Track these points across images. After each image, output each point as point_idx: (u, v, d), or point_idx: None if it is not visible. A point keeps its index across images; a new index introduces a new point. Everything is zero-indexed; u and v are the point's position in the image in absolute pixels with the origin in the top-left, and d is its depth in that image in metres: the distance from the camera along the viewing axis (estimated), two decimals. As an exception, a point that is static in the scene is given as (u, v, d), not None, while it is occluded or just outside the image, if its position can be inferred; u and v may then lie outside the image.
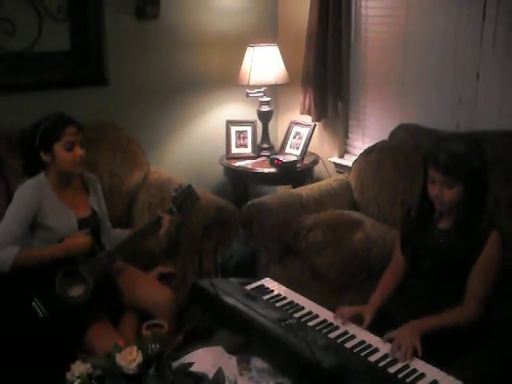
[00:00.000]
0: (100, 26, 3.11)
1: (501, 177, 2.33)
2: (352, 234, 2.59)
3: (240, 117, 3.71)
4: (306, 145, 3.52)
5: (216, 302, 1.89)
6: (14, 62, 2.90)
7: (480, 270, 1.90)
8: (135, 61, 3.31)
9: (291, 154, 3.54)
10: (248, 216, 2.78)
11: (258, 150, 3.62)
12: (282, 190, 3.70)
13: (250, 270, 3.02)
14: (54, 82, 3.04)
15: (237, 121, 3.66)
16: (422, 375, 1.67)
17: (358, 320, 1.97)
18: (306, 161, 3.51)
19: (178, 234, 2.73)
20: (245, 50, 3.46)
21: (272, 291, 2.15)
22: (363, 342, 1.84)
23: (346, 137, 3.60)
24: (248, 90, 3.48)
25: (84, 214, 2.42)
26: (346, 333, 1.89)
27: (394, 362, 1.74)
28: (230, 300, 1.88)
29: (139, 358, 1.57)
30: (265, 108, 3.58)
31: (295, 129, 3.62)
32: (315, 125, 3.54)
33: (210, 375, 1.61)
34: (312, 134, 3.52)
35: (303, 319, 1.96)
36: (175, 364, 1.67)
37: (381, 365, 1.72)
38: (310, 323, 1.94)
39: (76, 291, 2.25)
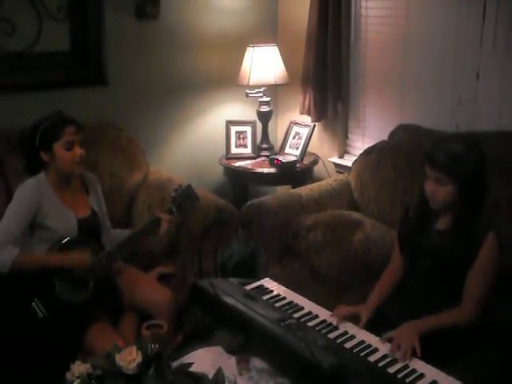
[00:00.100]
0: (100, 26, 3.11)
1: (500, 177, 2.34)
2: (352, 235, 2.59)
3: (240, 117, 3.71)
4: (306, 145, 3.52)
5: (215, 302, 1.90)
6: (14, 62, 2.90)
7: (477, 272, 1.90)
8: (135, 61, 3.31)
9: (291, 154, 3.54)
10: (248, 216, 2.78)
11: (257, 150, 3.62)
12: (282, 190, 3.70)
13: (249, 270, 3.02)
14: (54, 82, 3.04)
15: (236, 121, 3.66)
16: (422, 375, 1.67)
17: (355, 319, 1.97)
18: (306, 161, 3.51)
19: (178, 234, 2.73)
20: (244, 50, 3.46)
21: (271, 291, 2.15)
22: (363, 342, 1.84)
23: (346, 137, 3.60)
24: (248, 90, 3.49)
25: (84, 214, 2.42)
26: (345, 333, 1.90)
27: (393, 362, 1.74)
28: (229, 300, 1.88)
29: (139, 358, 1.57)
30: (264, 108, 3.58)
31: (295, 129, 3.62)
32: (315, 125, 3.54)
33: (210, 375, 1.61)
34: (312, 134, 3.52)
35: (303, 319, 1.96)
36: (175, 364, 1.67)
37: (380, 365, 1.72)
38: (310, 323, 1.94)
39: (76, 291, 2.25)
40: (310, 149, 3.57)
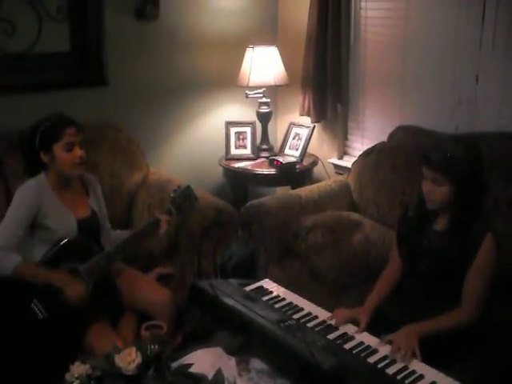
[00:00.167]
0: (100, 26, 3.11)
1: (500, 178, 2.34)
2: (351, 235, 2.59)
3: (239, 118, 3.71)
4: (306, 146, 3.52)
5: (215, 302, 1.90)
6: (14, 63, 2.90)
7: (475, 273, 1.90)
8: (135, 61, 3.31)
9: (290, 155, 3.54)
10: (247, 217, 2.78)
11: (257, 151, 3.62)
12: (282, 191, 3.70)
13: (249, 271, 3.02)
14: (54, 82, 3.04)
15: (236, 122, 3.66)
16: (421, 376, 1.67)
17: (354, 322, 1.97)
18: (306, 162, 3.51)
19: (177, 234, 2.73)
20: (244, 51, 3.47)
21: (271, 292, 2.15)
22: (362, 343, 1.84)
23: (346, 138, 3.61)
24: (247, 91, 3.48)
25: (84, 215, 2.42)
26: (345, 334, 1.90)
27: (393, 363, 1.74)
28: (229, 301, 1.88)
29: (138, 359, 1.57)
30: (264, 109, 3.58)
31: (294, 130, 3.62)
32: (314, 126, 3.54)
33: (210, 376, 1.62)
34: (311, 135, 3.52)
35: (302, 320, 1.96)
36: (174, 365, 1.67)
37: (380, 366, 1.73)
38: (310, 324, 1.95)
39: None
40: (310, 150, 3.57)
